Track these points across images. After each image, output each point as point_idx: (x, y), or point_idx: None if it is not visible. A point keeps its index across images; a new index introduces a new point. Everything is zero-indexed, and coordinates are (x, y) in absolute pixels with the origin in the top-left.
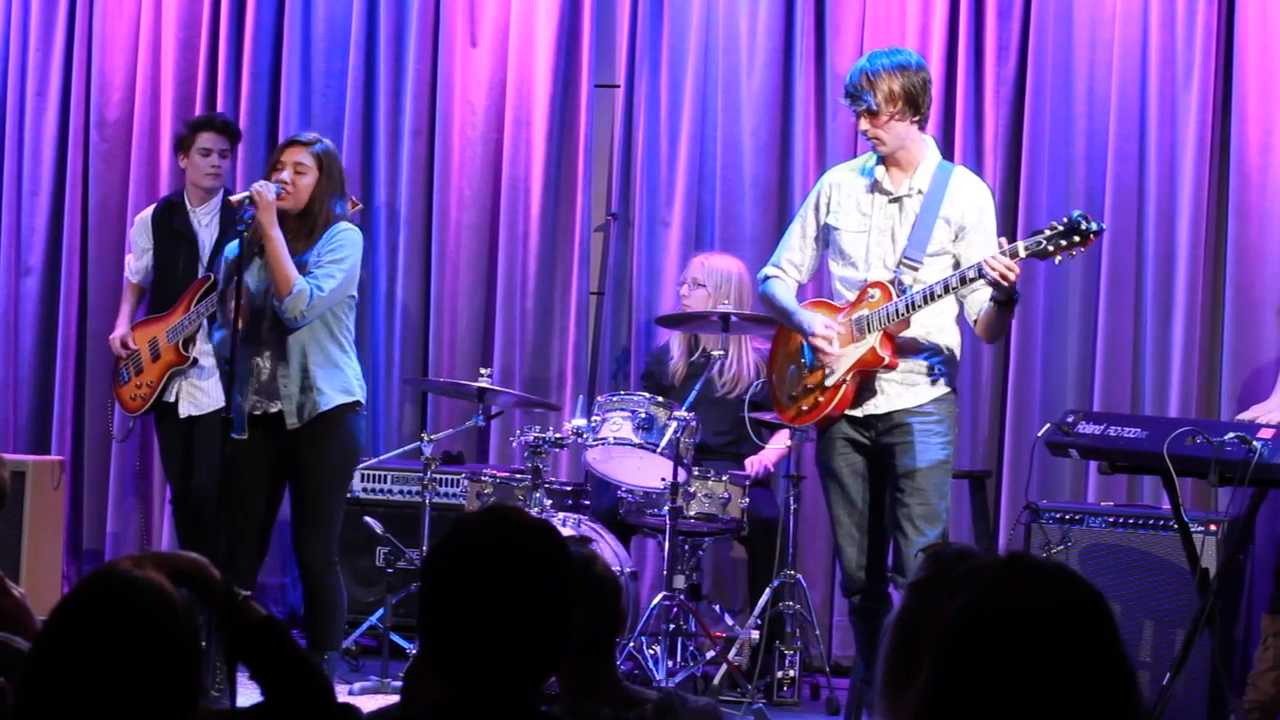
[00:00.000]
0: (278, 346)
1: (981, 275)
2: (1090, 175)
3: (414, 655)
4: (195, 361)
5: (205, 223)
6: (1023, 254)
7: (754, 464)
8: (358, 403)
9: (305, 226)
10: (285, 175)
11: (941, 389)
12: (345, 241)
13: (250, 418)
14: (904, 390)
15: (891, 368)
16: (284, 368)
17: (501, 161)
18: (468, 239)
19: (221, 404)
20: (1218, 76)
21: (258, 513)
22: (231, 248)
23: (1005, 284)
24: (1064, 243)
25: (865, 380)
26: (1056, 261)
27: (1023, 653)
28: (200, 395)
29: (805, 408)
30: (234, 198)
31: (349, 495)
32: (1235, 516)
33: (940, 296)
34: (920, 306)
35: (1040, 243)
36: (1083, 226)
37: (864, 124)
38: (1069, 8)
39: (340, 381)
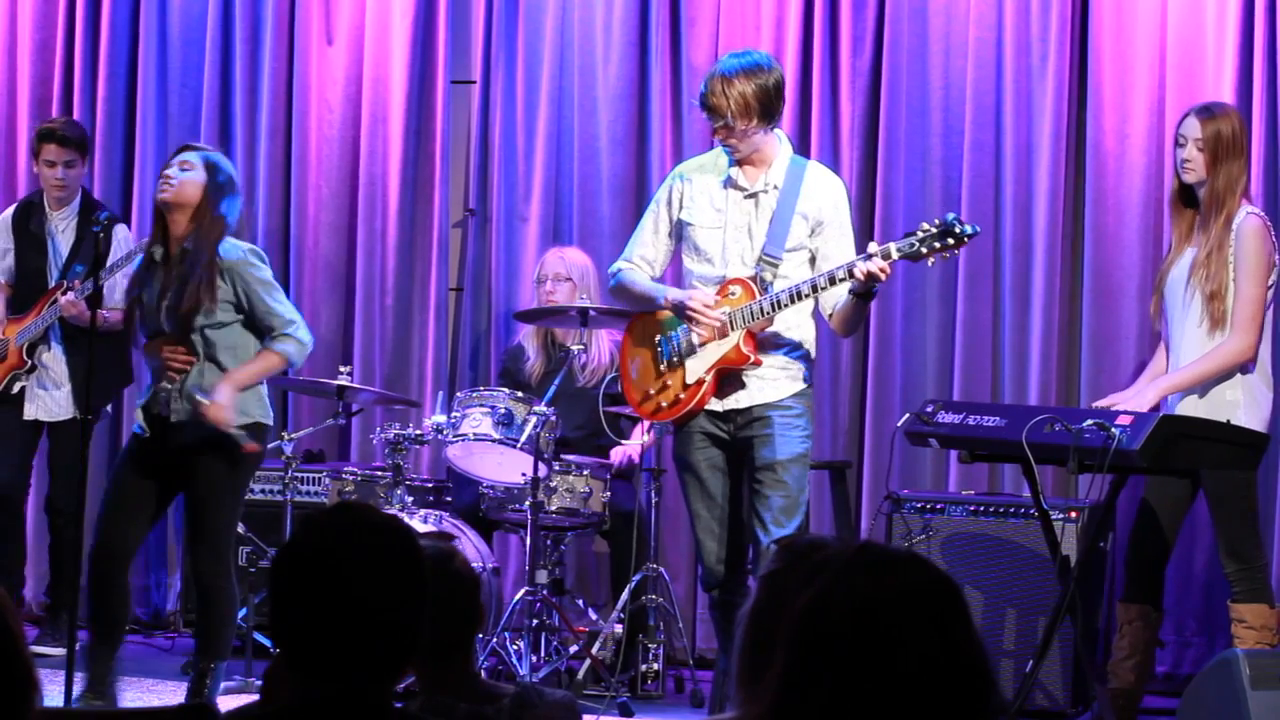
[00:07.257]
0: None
1: (851, 276)
2: (947, 165)
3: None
4: (34, 367)
5: (61, 229)
6: (895, 255)
7: (618, 454)
8: (257, 424)
9: (194, 221)
10: (171, 171)
11: (800, 383)
12: (264, 273)
13: (153, 418)
14: (765, 385)
15: (756, 365)
16: (184, 382)
17: (359, 159)
18: (326, 237)
19: (75, 414)
20: (1073, 64)
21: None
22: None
23: (875, 284)
24: (937, 245)
25: (726, 376)
26: (930, 264)
27: (871, 641)
28: (52, 404)
29: (664, 404)
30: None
31: None
32: (1095, 504)
33: (807, 296)
34: (786, 306)
35: (913, 244)
36: (956, 229)
37: (720, 135)
38: None
39: (239, 403)
